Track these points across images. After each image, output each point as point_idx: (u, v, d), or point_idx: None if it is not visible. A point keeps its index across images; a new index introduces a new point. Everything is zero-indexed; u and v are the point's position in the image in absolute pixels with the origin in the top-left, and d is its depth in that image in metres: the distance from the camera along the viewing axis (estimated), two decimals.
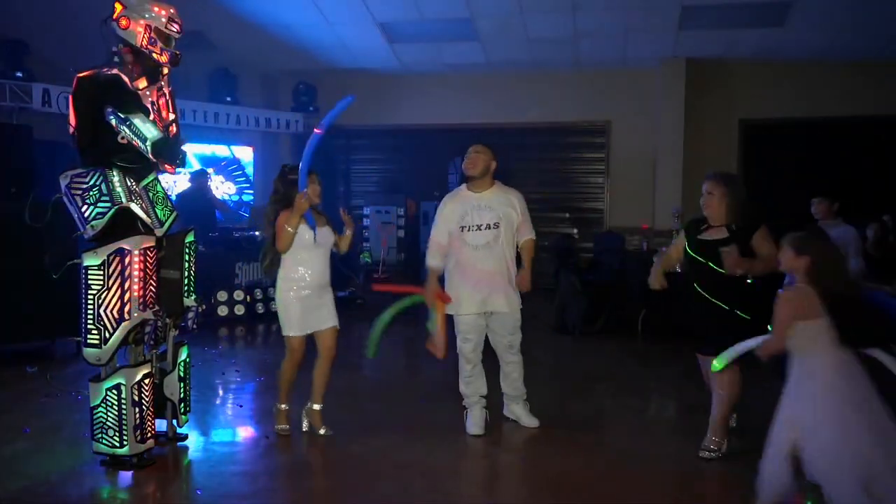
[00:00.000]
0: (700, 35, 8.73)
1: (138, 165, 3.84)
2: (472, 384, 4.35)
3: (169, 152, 3.82)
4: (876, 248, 7.00)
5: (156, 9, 3.75)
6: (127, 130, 3.64)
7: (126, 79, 3.72)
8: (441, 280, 4.35)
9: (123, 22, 3.68)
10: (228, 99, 9.87)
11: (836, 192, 5.56)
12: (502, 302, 4.19)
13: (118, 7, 3.70)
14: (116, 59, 3.75)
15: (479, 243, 4.19)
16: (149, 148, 3.66)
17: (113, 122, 3.63)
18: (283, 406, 4.22)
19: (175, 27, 3.81)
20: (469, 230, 4.21)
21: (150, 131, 3.69)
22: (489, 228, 4.19)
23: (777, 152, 9.62)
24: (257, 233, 8.96)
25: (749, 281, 3.76)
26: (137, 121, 3.66)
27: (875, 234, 7.04)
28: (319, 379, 4.18)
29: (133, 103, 3.70)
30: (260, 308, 8.29)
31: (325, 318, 4.13)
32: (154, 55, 3.76)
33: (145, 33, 3.70)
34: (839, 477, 2.79)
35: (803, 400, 2.91)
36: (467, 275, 4.20)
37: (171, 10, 3.81)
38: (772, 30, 8.47)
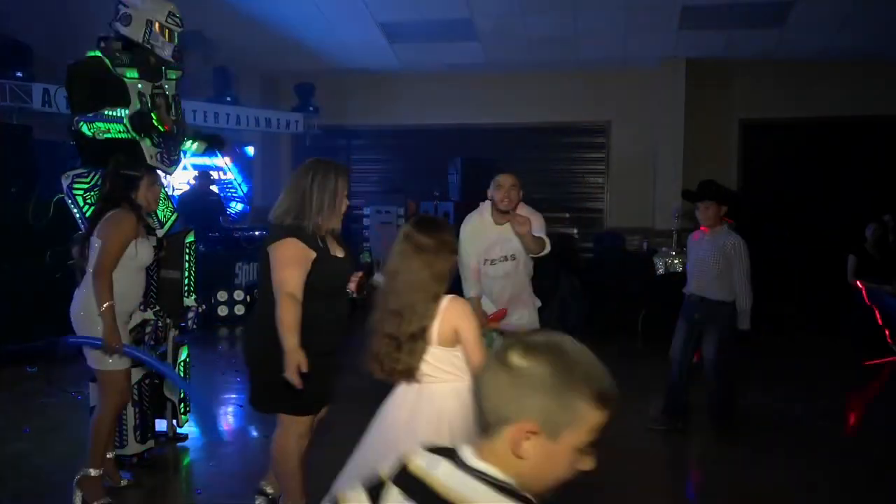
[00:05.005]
0: (700, 35, 8.71)
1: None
2: None
3: (146, 125, 3.70)
4: (876, 248, 7.02)
5: (156, 5, 3.75)
6: (101, 124, 3.61)
7: (109, 63, 3.71)
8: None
9: (125, 20, 3.69)
10: (228, 99, 9.86)
11: (745, 196, 4.63)
12: (525, 318, 4.11)
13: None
14: (103, 44, 3.76)
15: (498, 274, 4.09)
16: (127, 124, 3.60)
17: (84, 129, 3.61)
18: None
19: (176, 21, 3.78)
20: (490, 263, 4.08)
21: (123, 111, 3.66)
22: (506, 260, 4.07)
23: (777, 152, 9.61)
24: (257, 232, 8.96)
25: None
26: (107, 111, 3.64)
27: (875, 233, 7.06)
28: None
29: (115, 87, 3.70)
30: None
31: None
32: (157, 49, 3.77)
33: (146, 27, 3.71)
34: None
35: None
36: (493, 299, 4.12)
37: (171, 6, 3.80)
38: (772, 30, 8.46)
